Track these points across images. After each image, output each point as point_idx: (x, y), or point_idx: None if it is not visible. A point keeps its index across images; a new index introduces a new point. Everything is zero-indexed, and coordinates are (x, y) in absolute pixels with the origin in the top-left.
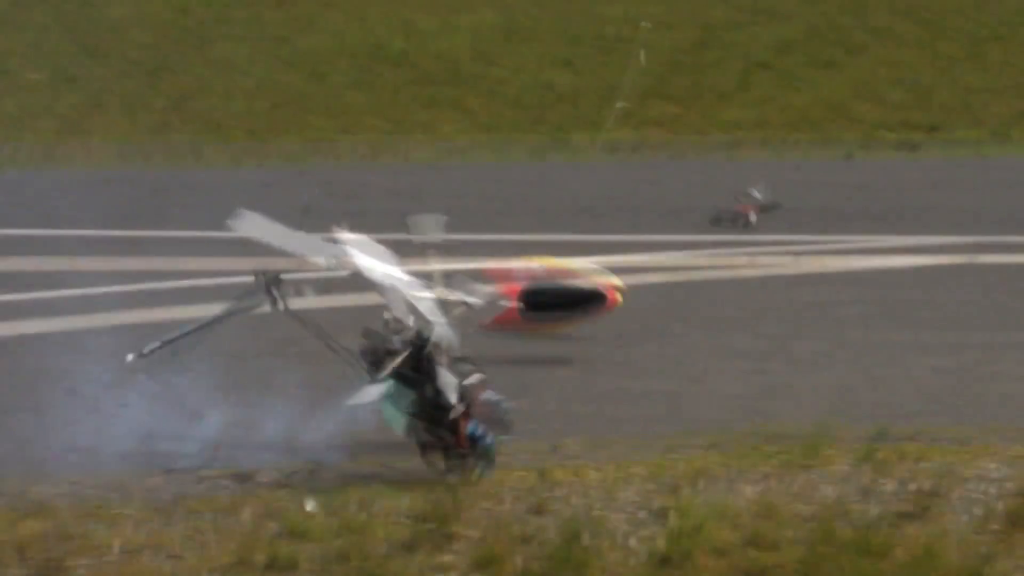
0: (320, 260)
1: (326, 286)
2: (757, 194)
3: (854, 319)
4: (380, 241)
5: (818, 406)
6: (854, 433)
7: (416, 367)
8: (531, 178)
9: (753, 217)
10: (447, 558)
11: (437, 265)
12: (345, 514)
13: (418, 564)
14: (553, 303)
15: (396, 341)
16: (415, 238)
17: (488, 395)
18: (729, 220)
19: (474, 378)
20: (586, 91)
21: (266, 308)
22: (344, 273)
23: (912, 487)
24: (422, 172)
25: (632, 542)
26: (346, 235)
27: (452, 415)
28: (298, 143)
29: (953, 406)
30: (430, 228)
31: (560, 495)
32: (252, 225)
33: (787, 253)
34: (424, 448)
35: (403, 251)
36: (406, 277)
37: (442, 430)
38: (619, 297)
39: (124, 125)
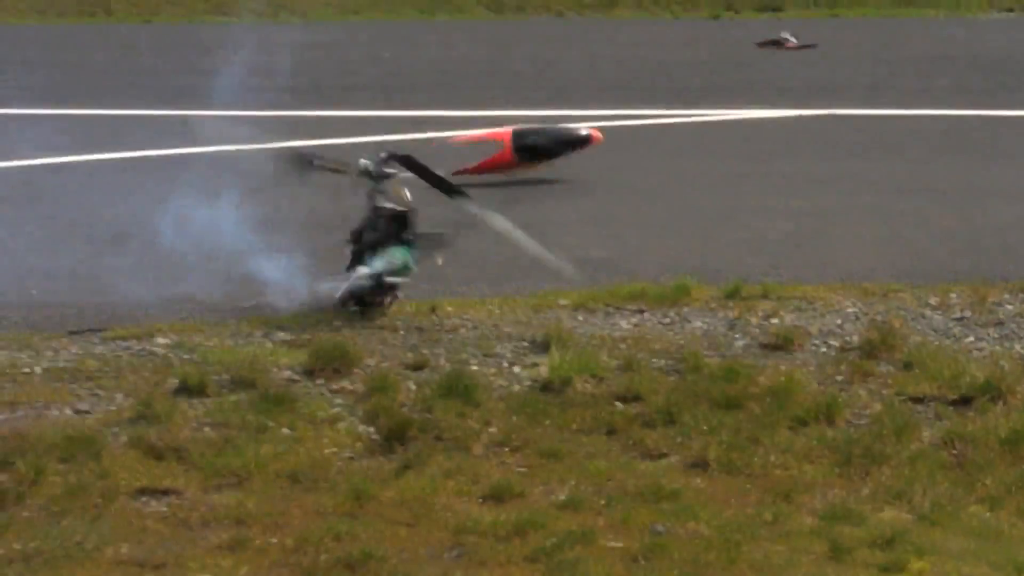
0: None
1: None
2: (791, 37)
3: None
4: None
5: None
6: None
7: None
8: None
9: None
10: (344, 383)
11: None
12: (249, 346)
13: (317, 389)
14: (542, 145)
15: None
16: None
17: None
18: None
19: None
20: None
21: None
22: None
23: (774, 321)
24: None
25: (516, 370)
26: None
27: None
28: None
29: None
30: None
31: (449, 326)
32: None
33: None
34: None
35: None
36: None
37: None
38: (601, 135)
39: None
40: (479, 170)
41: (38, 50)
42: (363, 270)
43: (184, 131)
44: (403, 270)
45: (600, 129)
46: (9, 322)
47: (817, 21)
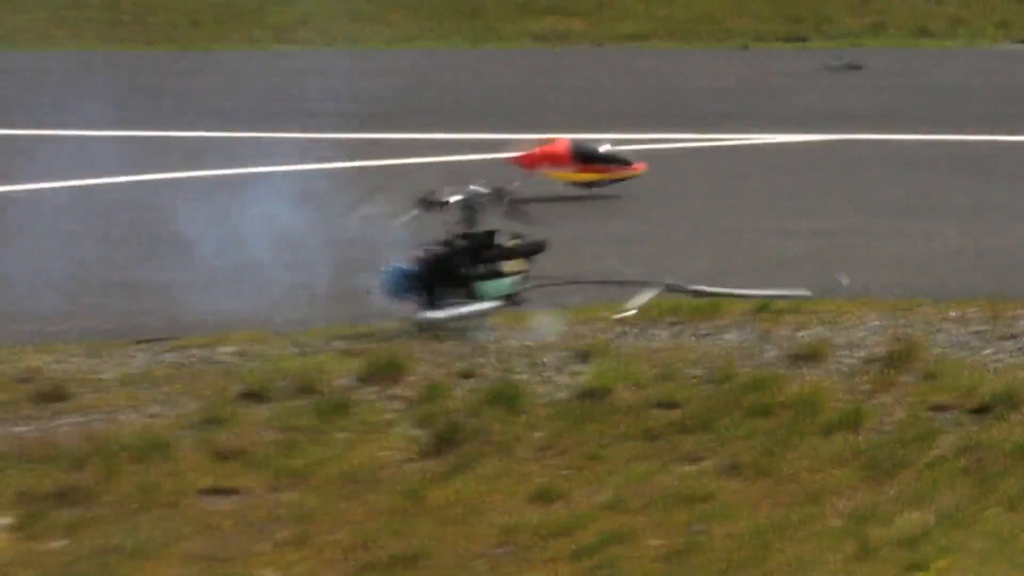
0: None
1: None
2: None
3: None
4: None
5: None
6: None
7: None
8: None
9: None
10: (398, 390)
11: None
12: (309, 355)
13: (373, 394)
14: (595, 154)
15: None
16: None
17: None
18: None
19: None
20: None
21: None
22: None
23: (802, 334)
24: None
25: (560, 378)
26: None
27: None
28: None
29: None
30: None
31: (498, 337)
32: None
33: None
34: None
35: None
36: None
37: None
38: (642, 168)
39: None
40: (534, 161)
41: (105, 75)
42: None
43: (259, 152)
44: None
45: (637, 153)
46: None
47: (840, 52)
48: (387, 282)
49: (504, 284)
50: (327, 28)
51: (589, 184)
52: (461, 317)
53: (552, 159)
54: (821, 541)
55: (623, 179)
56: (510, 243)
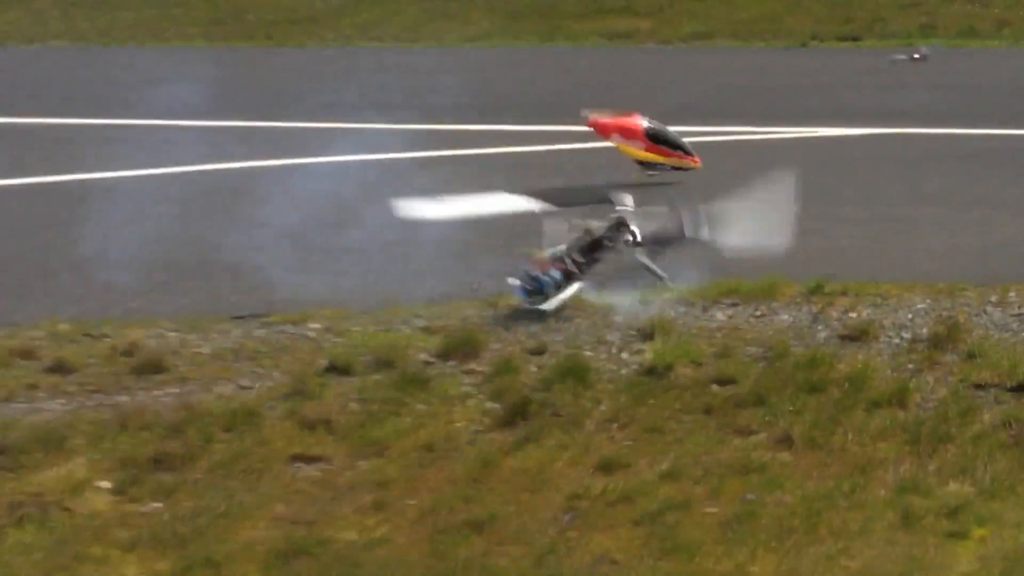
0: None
1: None
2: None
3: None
4: None
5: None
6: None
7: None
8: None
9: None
10: (473, 365)
11: None
12: (390, 332)
13: (450, 370)
14: (665, 136)
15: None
16: None
17: None
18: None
19: None
20: None
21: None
22: None
23: (852, 315)
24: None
25: (624, 355)
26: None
27: None
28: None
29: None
30: None
31: (566, 315)
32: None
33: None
34: None
35: None
36: None
37: None
38: (700, 162)
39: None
40: (609, 129)
41: (211, 69)
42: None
43: (347, 141)
44: None
45: (698, 145)
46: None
47: (892, 51)
48: (525, 284)
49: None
50: (411, 26)
51: (651, 166)
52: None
53: (626, 132)
54: (867, 510)
55: (683, 168)
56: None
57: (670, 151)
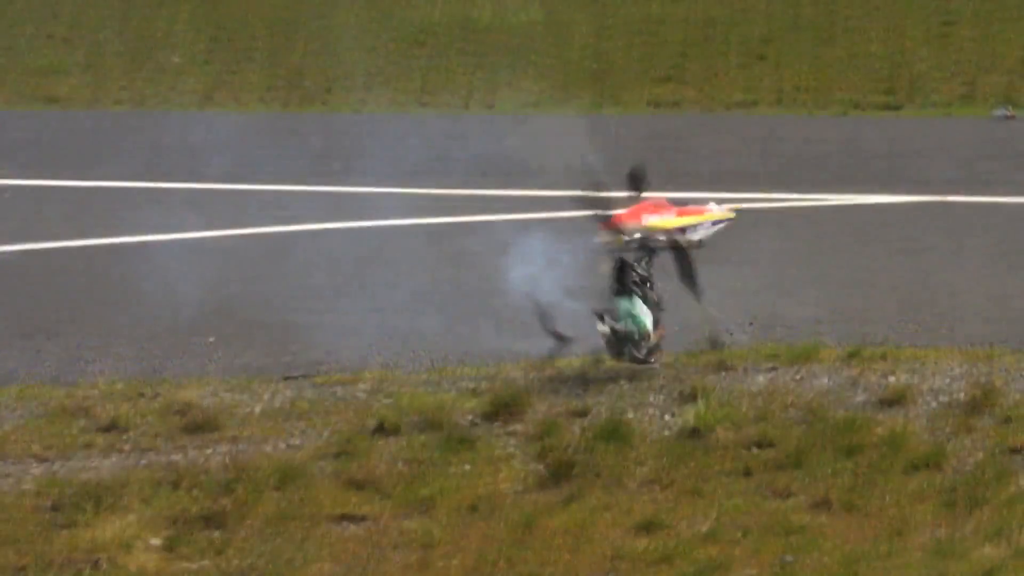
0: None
1: None
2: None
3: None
4: None
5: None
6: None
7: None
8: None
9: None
10: (517, 426)
11: None
12: (438, 392)
13: (494, 431)
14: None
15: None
16: None
17: None
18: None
19: None
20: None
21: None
22: None
23: (890, 379)
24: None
25: (666, 417)
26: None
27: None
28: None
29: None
30: None
31: (609, 376)
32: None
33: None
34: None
35: None
36: None
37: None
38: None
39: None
40: (637, 214)
41: (264, 134)
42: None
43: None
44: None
45: (740, 210)
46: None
47: (931, 119)
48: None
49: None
50: (465, 93)
51: (696, 238)
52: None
53: (653, 209)
54: (904, 572)
55: (720, 221)
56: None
57: (699, 208)
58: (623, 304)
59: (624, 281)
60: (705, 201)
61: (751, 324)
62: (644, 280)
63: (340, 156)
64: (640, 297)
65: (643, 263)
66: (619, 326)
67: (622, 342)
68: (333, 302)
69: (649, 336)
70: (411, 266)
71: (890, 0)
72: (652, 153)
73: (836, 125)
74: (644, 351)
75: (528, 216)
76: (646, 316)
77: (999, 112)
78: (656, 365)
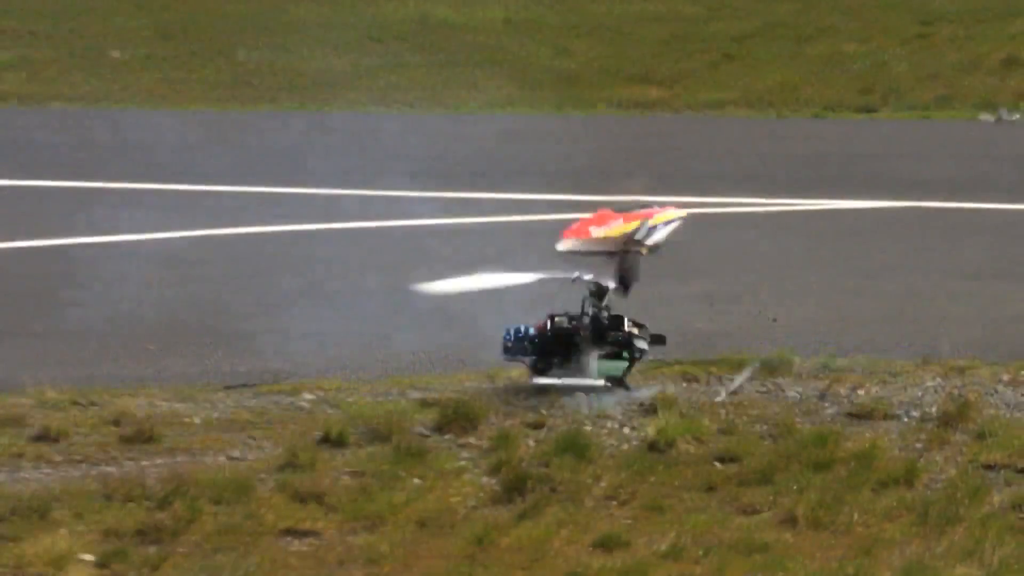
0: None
1: None
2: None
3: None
4: None
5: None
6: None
7: None
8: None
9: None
10: (470, 439)
11: None
12: (387, 402)
13: (446, 443)
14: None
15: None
16: None
17: None
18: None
19: None
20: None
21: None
22: None
23: (860, 393)
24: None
25: (625, 430)
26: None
27: None
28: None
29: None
30: None
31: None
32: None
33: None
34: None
35: None
36: None
37: None
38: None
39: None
40: (586, 225)
41: (213, 133)
42: None
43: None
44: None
45: (709, 216)
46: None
47: (909, 122)
48: (507, 341)
49: (617, 367)
50: (425, 92)
51: (651, 242)
52: (568, 387)
53: (601, 220)
54: None
55: (671, 221)
56: (633, 330)
57: (648, 210)
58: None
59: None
60: (655, 205)
61: (774, 320)
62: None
63: (289, 156)
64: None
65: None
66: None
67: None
68: (278, 307)
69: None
70: (359, 270)
71: (867, 0)
72: (616, 155)
73: (809, 127)
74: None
75: (487, 220)
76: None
77: (1000, 116)
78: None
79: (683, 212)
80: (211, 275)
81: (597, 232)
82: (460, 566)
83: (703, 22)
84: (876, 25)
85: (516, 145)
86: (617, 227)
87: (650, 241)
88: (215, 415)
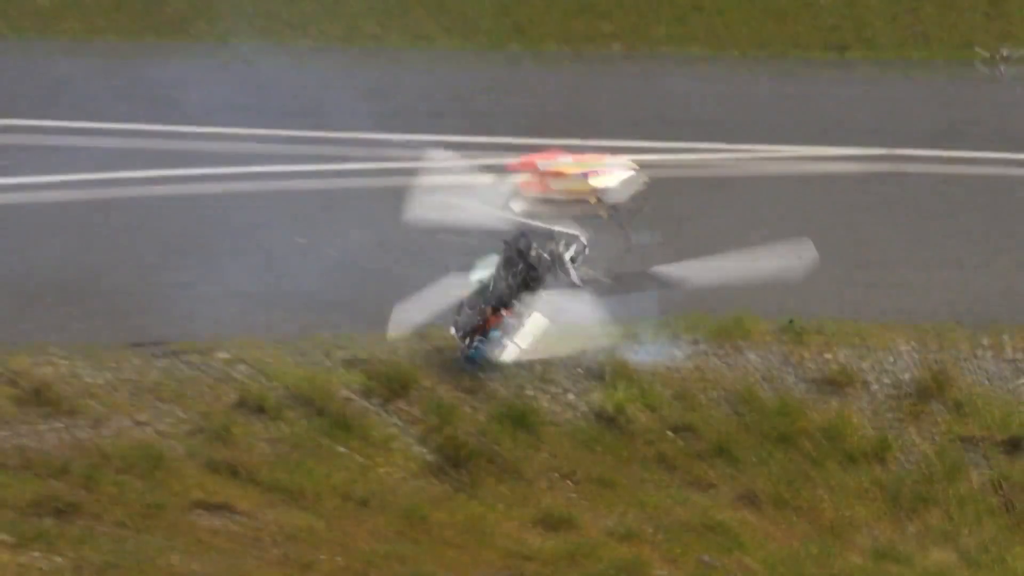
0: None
1: None
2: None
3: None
4: None
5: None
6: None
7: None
8: None
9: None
10: (401, 405)
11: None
12: (309, 363)
13: (375, 409)
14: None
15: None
16: None
17: None
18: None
19: None
20: None
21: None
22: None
23: (828, 358)
24: None
25: (572, 397)
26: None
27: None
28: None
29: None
30: None
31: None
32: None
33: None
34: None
35: None
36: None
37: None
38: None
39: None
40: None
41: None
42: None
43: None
44: None
45: (655, 164)
46: None
47: (882, 62)
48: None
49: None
50: (346, 25)
51: (611, 202)
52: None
53: (551, 158)
54: None
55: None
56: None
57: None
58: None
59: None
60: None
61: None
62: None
63: (200, 93)
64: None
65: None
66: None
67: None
68: (178, 261)
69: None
70: (273, 221)
71: None
72: (562, 99)
73: (773, 68)
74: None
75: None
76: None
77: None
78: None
79: (642, 175)
80: (100, 226)
81: (556, 184)
82: (390, 544)
83: None
84: None
85: (436, 84)
86: (576, 181)
87: (612, 200)
88: (120, 376)
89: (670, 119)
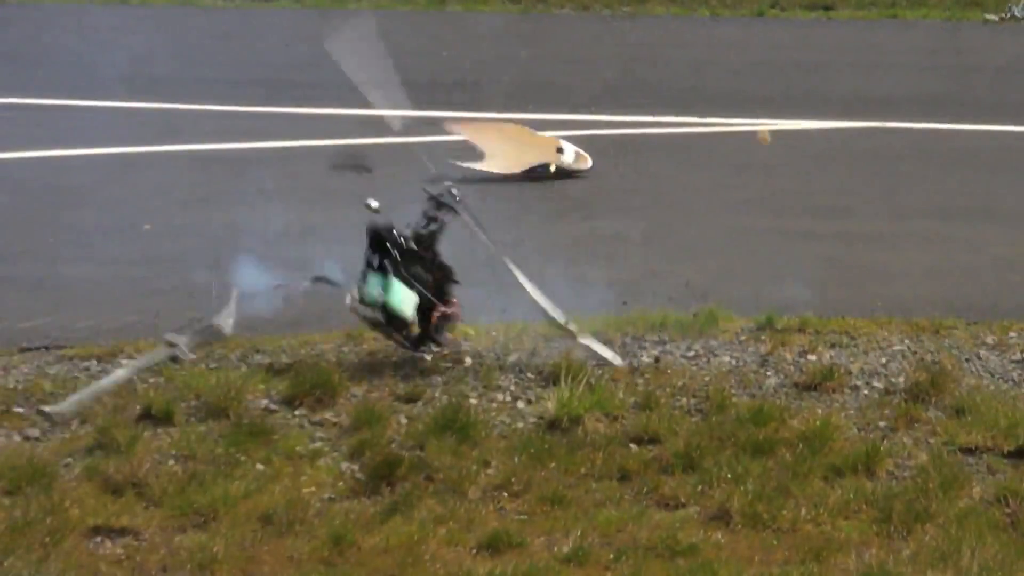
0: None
1: None
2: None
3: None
4: None
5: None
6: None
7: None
8: None
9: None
10: (327, 415)
11: None
12: (224, 369)
13: (297, 420)
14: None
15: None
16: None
17: None
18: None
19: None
20: None
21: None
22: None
23: (811, 358)
24: None
25: (520, 404)
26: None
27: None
28: None
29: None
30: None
31: (449, 353)
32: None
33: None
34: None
35: None
36: None
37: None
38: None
39: None
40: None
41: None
42: None
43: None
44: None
45: (616, 138)
46: None
47: (873, 22)
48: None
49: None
50: None
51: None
52: None
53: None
54: None
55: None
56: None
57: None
58: (371, 285)
59: (380, 254)
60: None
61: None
62: (412, 251)
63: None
64: (399, 275)
65: (426, 224)
66: (367, 312)
67: (379, 326)
68: (64, 250)
69: (409, 324)
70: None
71: None
72: (503, 62)
73: (749, 27)
74: (410, 339)
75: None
76: (405, 300)
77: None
78: (428, 357)
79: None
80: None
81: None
82: (313, 572)
83: None
84: None
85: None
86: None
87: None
88: (8, 384)
89: (624, 87)
